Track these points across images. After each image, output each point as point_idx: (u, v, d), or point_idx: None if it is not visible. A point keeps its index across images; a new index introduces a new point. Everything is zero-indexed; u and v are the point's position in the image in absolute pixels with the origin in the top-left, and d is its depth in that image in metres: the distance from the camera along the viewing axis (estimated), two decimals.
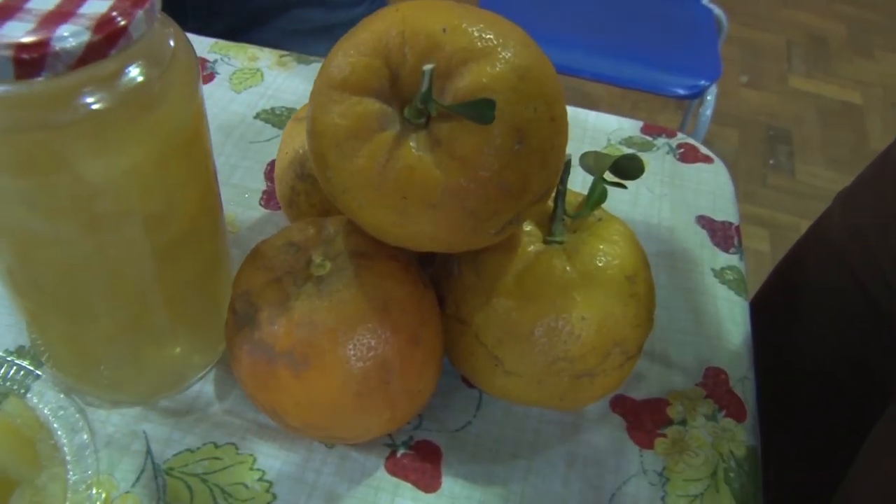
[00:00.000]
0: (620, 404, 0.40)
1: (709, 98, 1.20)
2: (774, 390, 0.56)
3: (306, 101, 0.35)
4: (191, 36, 0.60)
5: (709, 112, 1.21)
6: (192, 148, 0.32)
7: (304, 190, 0.39)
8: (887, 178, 0.46)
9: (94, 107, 0.27)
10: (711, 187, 0.52)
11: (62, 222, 0.30)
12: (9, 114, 0.27)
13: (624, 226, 0.37)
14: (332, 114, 0.29)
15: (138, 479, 0.36)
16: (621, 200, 0.50)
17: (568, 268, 0.34)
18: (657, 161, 0.53)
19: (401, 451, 0.37)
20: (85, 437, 0.37)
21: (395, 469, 0.36)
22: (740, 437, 0.38)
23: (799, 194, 1.61)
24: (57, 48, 0.25)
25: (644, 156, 0.54)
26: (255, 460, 0.37)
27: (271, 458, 0.37)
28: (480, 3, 1.28)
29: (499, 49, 0.28)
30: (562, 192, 0.35)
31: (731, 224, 0.49)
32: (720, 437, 0.38)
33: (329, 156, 0.29)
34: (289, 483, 0.36)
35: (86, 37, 0.25)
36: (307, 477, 0.36)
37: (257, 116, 0.54)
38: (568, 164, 0.35)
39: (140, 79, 0.28)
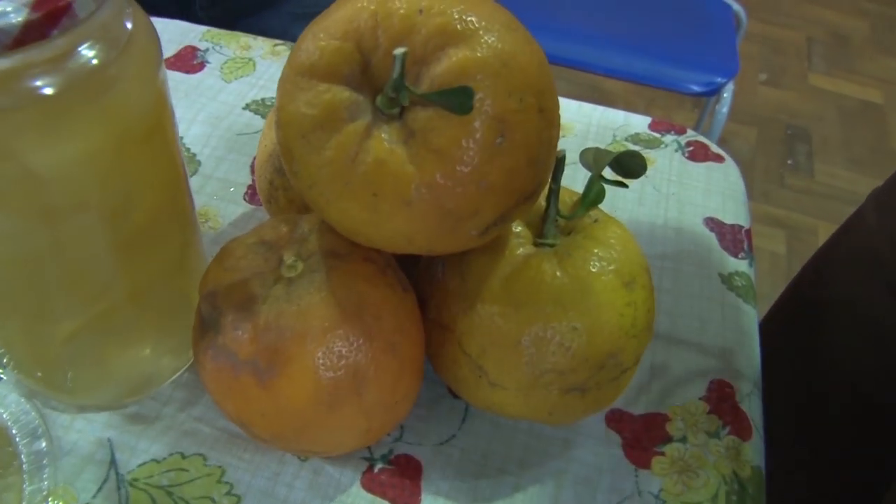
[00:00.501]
0: (616, 419, 0.37)
1: (725, 95, 1.16)
2: (796, 405, 0.54)
3: None
4: (182, 23, 0.58)
5: (725, 110, 1.17)
6: (152, 136, 0.30)
7: (283, 185, 0.37)
8: None
9: (41, 91, 0.25)
10: (721, 187, 0.49)
11: (12, 214, 0.28)
12: None
13: (622, 228, 0.34)
14: (298, 102, 0.26)
15: (100, 489, 0.34)
16: (626, 199, 0.48)
17: (559, 273, 0.31)
18: (665, 159, 0.50)
19: (378, 466, 0.35)
20: (44, 444, 0.35)
21: (371, 485, 0.34)
22: (745, 456, 0.36)
23: (817, 195, 1.57)
24: None
25: (651, 153, 0.51)
26: (223, 472, 0.34)
27: (240, 471, 0.34)
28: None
29: (481, 32, 0.25)
30: (554, 191, 0.33)
31: (741, 227, 0.47)
32: (723, 457, 0.36)
33: (295, 148, 0.27)
34: (258, 497, 0.34)
35: (22, 15, 0.23)
36: (278, 491, 0.34)
37: (246, 107, 0.52)
38: (562, 161, 0.32)
39: (93, 61, 0.26)
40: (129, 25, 0.27)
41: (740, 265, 0.45)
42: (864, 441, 0.51)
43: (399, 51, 0.24)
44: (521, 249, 0.32)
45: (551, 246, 0.33)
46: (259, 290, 0.30)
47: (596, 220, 0.34)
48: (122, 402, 0.37)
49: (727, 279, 0.44)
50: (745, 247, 0.46)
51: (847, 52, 1.96)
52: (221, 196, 0.46)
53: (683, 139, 0.52)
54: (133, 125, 0.28)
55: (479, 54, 0.25)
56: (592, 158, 0.35)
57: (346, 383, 0.30)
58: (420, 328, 0.33)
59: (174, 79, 0.53)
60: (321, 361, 0.29)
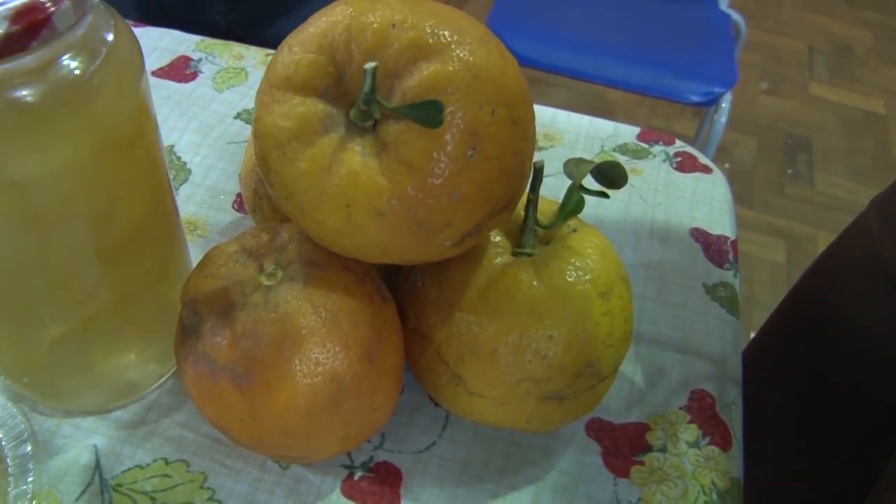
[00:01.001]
0: (596, 428, 0.37)
1: (724, 105, 1.16)
2: (794, 415, 0.54)
3: None
4: (177, 33, 0.59)
5: (723, 119, 1.18)
6: (134, 145, 0.30)
7: (267, 194, 0.37)
8: None
9: (22, 101, 0.26)
10: (708, 198, 0.49)
11: None
12: None
13: (600, 237, 0.34)
14: (274, 115, 0.27)
15: (83, 493, 0.34)
16: (612, 209, 0.48)
17: (535, 282, 0.32)
18: (652, 169, 0.51)
19: (358, 474, 0.35)
20: (29, 448, 0.35)
21: (351, 492, 0.34)
22: (724, 466, 0.36)
23: (818, 205, 1.57)
24: None
25: (639, 163, 0.51)
26: (205, 478, 0.35)
27: (222, 477, 0.35)
28: (492, 9, 1.26)
29: (453, 46, 0.26)
30: (532, 201, 0.33)
31: (726, 238, 0.47)
32: (702, 467, 0.36)
33: (271, 159, 0.27)
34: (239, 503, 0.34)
35: (2, 27, 0.24)
36: (259, 498, 0.34)
37: (238, 116, 0.52)
38: (539, 171, 0.33)
39: (75, 72, 0.27)
40: (110, 37, 0.28)
41: (725, 276, 0.45)
42: (864, 443, 0.51)
43: (369, 65, 0.24)
44: (499, 259, 0.33)
45: (529, 255, 0.33)
46: (238, 298, 0.31)
47: (575, 230, 0.34)
48: (108, 407, 0.37)
49: (711, 290, 0.44)
50: (731, 258, 0.46)
51: (849, 62, 1.96)
52: (210, 204, 0.47)
53: (672, 150, 0.52)
54: (115, 134, 0.29)
55: (450, 68, 0.25)
56: (573, 168, 0.35)
57: (323, 390, 0.30)
58: (399, 337, 0.33)
59: (167, 88, 0.54)
60: (298, 368, 0.29)
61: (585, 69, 1.18)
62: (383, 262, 0.29)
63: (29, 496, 0.34)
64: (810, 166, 1.66)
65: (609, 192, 0.35)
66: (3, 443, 0.35)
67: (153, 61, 0.56)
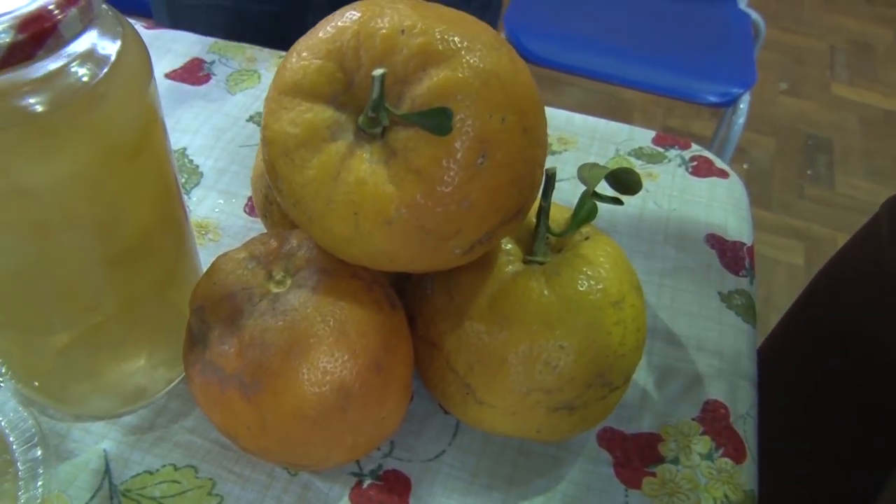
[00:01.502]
0: (608, 438, 0.37)
1: (742, 106, 1.15)
2: (795, 426, 0.53)
3: None
4: (192, 35, 0.59)
5: (741, 120, 1.16)
6: (142, 152, 0.30)
7: (277, 200, 0.37)
8: None
9: (29, 109, 0.26)
10: (724, 204, 0.48)
11: (3, 230, 0.29)
12: None
13: (613, 246, 0.34)
14: (282, 121, 0.26)
15: (92, 498, 0.34)
16: (626, 215, 0.47)
17: (546, 291, 0.31)
18: (667, 174, 0.50)
19: (367, 482, 0.35)
20: (39, 452, 0.35)
21: (359, 500, 0.34)
22: (738, 479, 0.35)
23: (838, 206, 1.55)
24: None
25: (654, 168, 0.50)
26: (214, 485, 0.35)
27: (230, 484, 0.35)
28: (507, 10, 1.25)
29: (462, 52, 0.25)
30: (544, 209, 0.33)
31: (743, 244, 0.46)
32: (715, 479, 0.35)
33: (279, 166, 0.27)
34: None
35: (9, 37, 0.23)
36: None
37: (250, 119, 0.52)
38: (552, 179, 0.32)
39: (82, 80, 0.27)
40: (117, 44, 0.28)
41: (741, 283, 0.44)
42: (871, 449, 0.50)
43: (377, 72, 0.24)
44: (510, 267, 0.32)
45: (541, 263, 0.33)
46: (245, 306, 0.30)
47: (587, 238, 0.34)
48: (117, 413, 0.37)
49: (726, 298, 0.43)
50: (746, 264, 0.45)
51: (870, 61, 1.93)
52: (222, 208, 0.46)
53: (688, 154, 0.52)
54: (122, 142, 0.29)
55: (459, 74, 0.25)
56: (587, 174, 0.34)
57: (331, 399, 0.30)
58: (408, 345, 0.33)
59: (180, 90, 0.54)
60: (305, 377, 0.29)
61: (602, 69, 1.17)
62: (392, 270, 0.29)
63: (39, 501, 0.34)
64: (830, 167, 1.64)
65: (623, 197, 0.34)
66: (14, 447, 0.35)
67: (167, 63, 0.56)
